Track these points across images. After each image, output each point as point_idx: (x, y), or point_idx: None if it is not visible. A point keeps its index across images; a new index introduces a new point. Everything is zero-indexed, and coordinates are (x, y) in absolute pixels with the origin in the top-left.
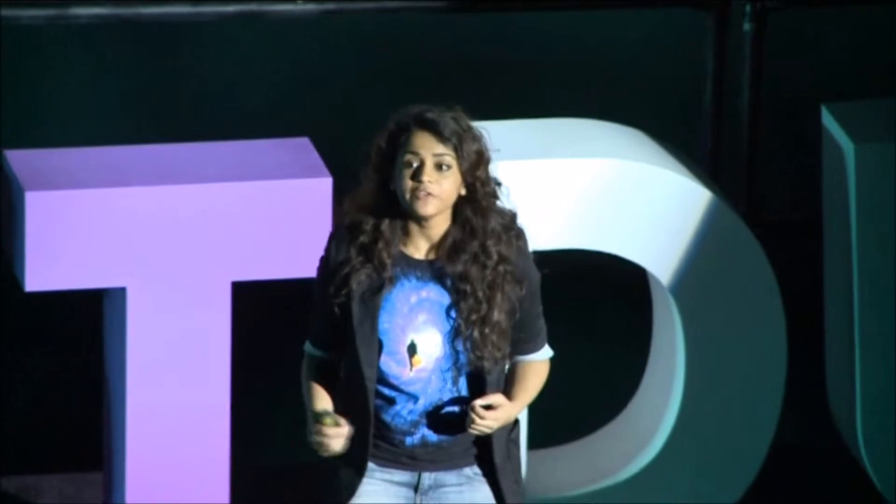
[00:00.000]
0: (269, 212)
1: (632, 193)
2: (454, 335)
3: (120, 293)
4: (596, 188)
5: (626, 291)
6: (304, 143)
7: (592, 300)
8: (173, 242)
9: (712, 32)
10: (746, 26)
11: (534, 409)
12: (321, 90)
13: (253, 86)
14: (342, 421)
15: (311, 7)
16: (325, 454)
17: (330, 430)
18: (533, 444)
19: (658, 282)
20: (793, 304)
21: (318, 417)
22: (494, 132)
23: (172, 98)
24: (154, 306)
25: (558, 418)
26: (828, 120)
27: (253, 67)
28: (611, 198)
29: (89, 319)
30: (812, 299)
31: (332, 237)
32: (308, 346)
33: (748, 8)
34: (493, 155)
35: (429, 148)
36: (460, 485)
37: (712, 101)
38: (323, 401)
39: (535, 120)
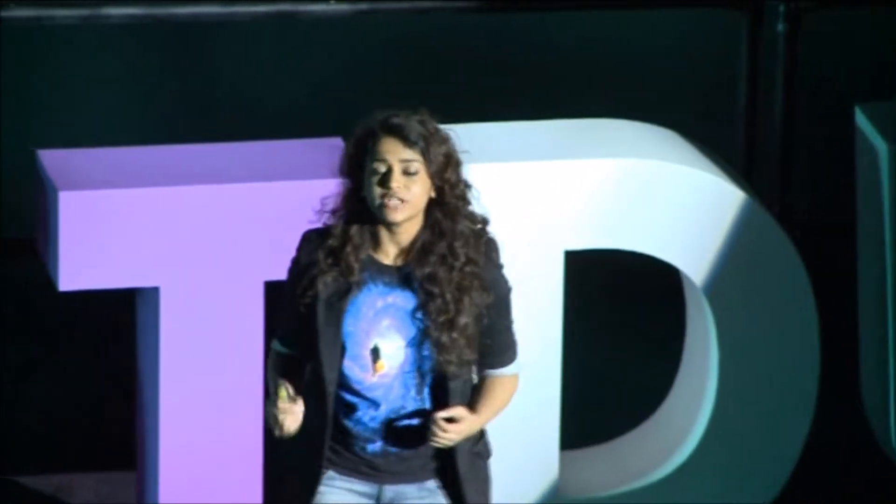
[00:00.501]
0: (301, 212)
1: (665, 194)
2: (420, 339)
3: (153, 293)
4: (629, 188)
5: (658, 292)
6: (337, 142)
7: (625, 300)
8: (206, 242)
9: (746, 33)
10: (780, 26)
11: (566, 409)
12: (354, 89)
13: (285, 85)
14: (298, 399)
15: (343, 7)
16: (279, 433)
17: (283, 405)
18: (565, 445)
19: (691, 282)
20: (826, 305)
21: (276, 391)
22: (526, 132)
23: (205, 98)
24: (187, 306)
25: (591, 419)
26: (861, 120)
27: (285, 67)
28: (644, 198)
29: (123, 319)
30: (845, 300)
31: (304, 239)
32: (275, 344)
33: (782, 8)
34: (462, 156)
35: (396, 153)
36: (422, 498)
37: (746, 101)
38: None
39: (567, 120)
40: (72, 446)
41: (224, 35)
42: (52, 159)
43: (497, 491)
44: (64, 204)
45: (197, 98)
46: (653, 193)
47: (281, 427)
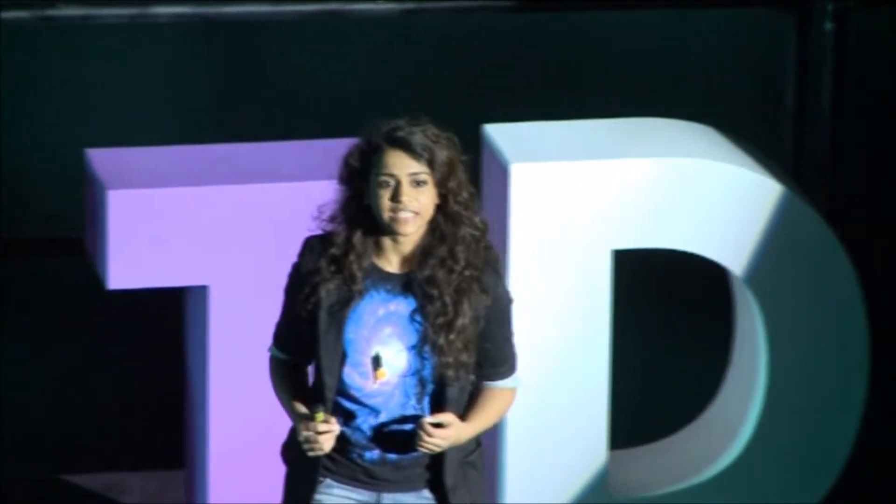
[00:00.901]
0: None
1: (711, 192)
2: (420, 344)
3: (202, 291)
4: (675, 187)
5: (706, 290)
6: None
7: (673, 299)
8: (255, 241)
9: (794, 32)
10: (828, 25)
11: (615, 409)
12: (401, 89)
13: (333, 84)
14: (332, 418)
15: (391, 6)
16: (314, 453)
17: (322, 426)
18: (614, 445)
19: (739, 280)
20: (874, 302)
21: (312, 414)
22: (571, 132)
23: (253, 97)
24: (236, 305)
25: (641, 418)
26: None
27: (333, 66)
28: (690, 197)
29: (171, 318)
30: (895, 297)
31: (306, 246)
32: (274, 351)
33: (830, 7)
34: (464, 160)
35: (403, 167)
36: None
37: (794, 100)
38: (302, 405)
39: (613, 120)
40: (121, 445)
41: (272, 34)
42: (101, 158)
43: (546, 491)
44: (113, 203)
45: (244, 97)
46: (699, 192)
47: (321, 447)
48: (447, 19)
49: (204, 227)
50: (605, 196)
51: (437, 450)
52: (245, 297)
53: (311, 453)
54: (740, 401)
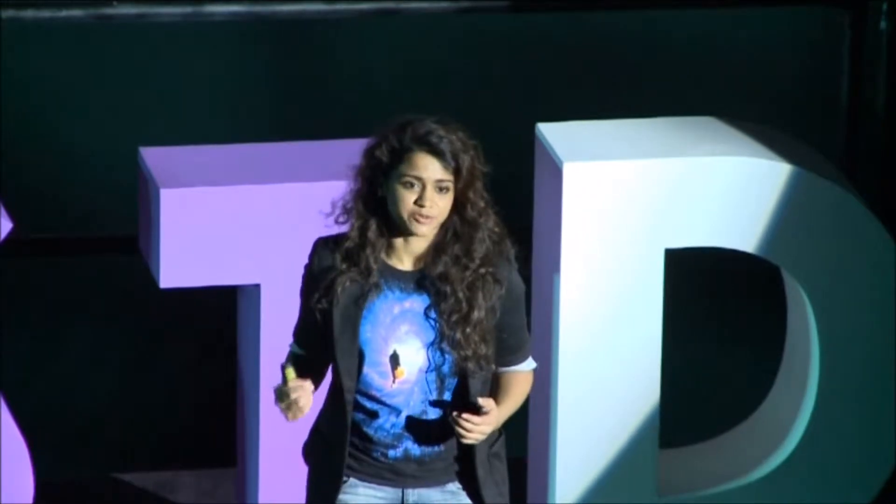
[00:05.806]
0: None
1: (765, 191)
2: (438, 340)
3: (254, 290)
4: (729, 186)
5: (759, 290)
6: None
7: (726, 299)
8: (308, 240)
9: (848, 30)
10: (883, 24)
11: (666, 408)
12: (455, 86)
13: (387, 82)
14: (306, 380)
15: (445, 4)
16: (293, 412)
17: (293, 383)
18: (665, 444)
19: (792, 280)
20: None
21: (283, 375)
22: (624, 131)
23: (307, 95)
24: (288, 303)
25: (692, 417)
26: None
27: (388, 64)
28: (744, 196)
29: (223, 316)
30: None
31: (318, 246)
32: (293, 346)
33: (885, 6)
34: (486, 171)
35: (432, 172)
36: (444, 500)
37: (848, 99)
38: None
39: (668, 118)
40: (173, 444)
41: (325, 32)
42: (154, 157)
43: (596, 489)
44: (165, 201)
45: (298, 95)
46: (752, 190)
47: (296, 403)
48: (503, 19)
49: (257, 226)
50: (658, 195)
51: (482, 437)
52: (296, 296)
53: (289, 417)
54: (792, 400)
